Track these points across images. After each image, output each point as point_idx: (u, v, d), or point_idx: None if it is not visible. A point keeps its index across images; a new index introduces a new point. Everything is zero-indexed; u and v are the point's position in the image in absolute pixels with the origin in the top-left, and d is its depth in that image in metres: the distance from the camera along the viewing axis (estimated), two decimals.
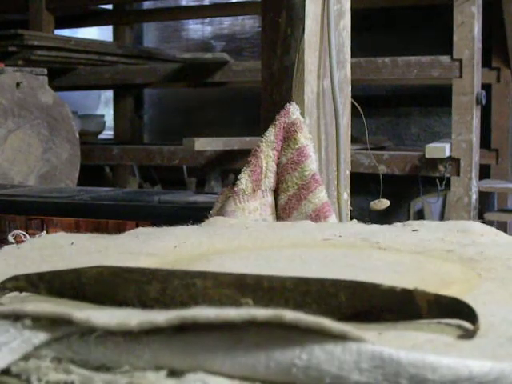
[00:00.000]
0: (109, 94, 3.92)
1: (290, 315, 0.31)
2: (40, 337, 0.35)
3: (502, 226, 2.53)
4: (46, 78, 2.06)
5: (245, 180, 1.00)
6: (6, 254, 0.66)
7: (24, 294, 0.47)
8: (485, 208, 2.75)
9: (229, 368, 0.32)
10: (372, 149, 2.62)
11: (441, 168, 2.39)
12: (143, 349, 0.33)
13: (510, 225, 2.70)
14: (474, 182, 2.34)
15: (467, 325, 0.41)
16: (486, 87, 2.55)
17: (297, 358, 0.32)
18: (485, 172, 2.68)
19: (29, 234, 0.75)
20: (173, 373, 0.33)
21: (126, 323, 0.33)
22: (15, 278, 0.47)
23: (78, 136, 2.14)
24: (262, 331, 0.32)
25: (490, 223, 2.15)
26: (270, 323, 0.32)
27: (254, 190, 1.01)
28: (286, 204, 1.02)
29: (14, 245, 0.70)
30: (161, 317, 0.32)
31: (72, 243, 0.69)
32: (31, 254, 0.65)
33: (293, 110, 1.05)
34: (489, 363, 0.31)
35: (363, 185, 2.47)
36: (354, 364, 0.31)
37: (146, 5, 3.68)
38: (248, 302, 0.38)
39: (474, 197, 2.35)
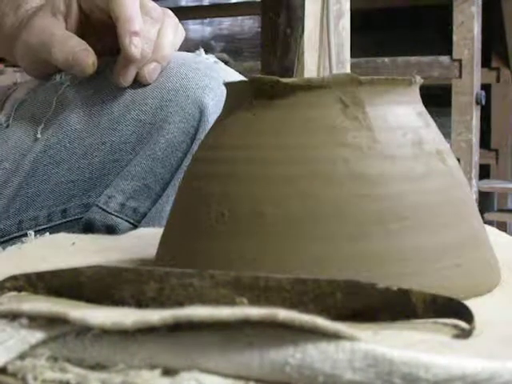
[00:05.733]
0: None
1: (283, 314, 0.32)
2: (36, 336, 0.35)
3: (502, 226, 2.53)
4: None
5: None
6: (7, 254, 0.66)
7: (23, 293, 0.47)
8: (485, 208, 2.75)
9: (223, 366, 0.33)
10: None
11: None
12: (138, 347, 0.34)
13: (509, 225, 2.69)
14: (474, 181, 2.34)
15: (463, 324, 0.41)
16: (486, 87, 2.55)
17: (290, 356, 0.32)
18: (485, 172, 2.68)
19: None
20: (167, 371, 0.33)
21: (121, 322, 0.33)
22: (14, 278, 0.47)
23: None
24: (256, 330, 0.33)
25: (490, 223, 2.15)
26: (264, 322, 0.32)
27: None
28: None
29: (16, 244, 0.70)
30: (156, 316, 0.33)
31: (73, 243, 0.69)
32: (32, 253, 0.65)
33: None
34: (482, 362, 0.31)
35: None
36: (348, 363, 0.31)
37: None
38: (243, 301, 0.39)
39: (474, 197, 2.35)
